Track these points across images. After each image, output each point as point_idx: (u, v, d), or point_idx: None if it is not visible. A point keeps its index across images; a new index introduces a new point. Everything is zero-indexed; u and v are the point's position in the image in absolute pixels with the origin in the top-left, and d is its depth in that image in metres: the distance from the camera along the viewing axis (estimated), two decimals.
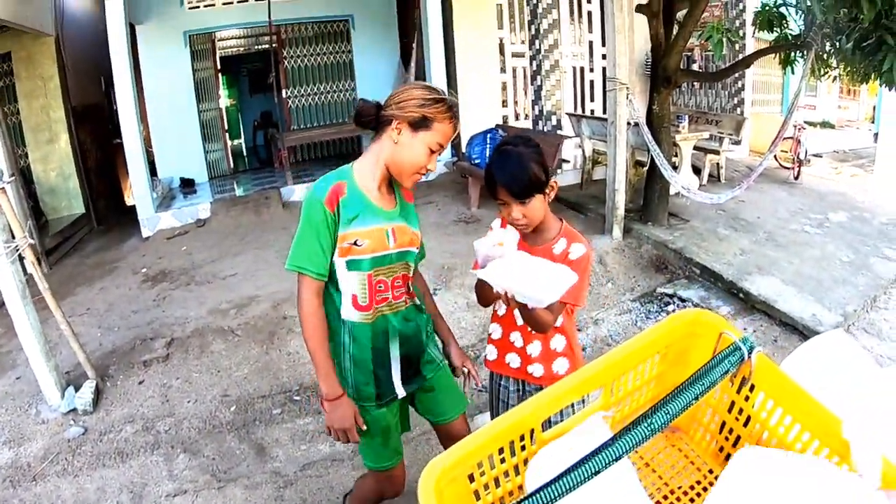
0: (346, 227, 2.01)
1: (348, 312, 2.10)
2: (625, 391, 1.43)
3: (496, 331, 2.38)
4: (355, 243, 2.01)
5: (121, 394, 4.16)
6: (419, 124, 1.98)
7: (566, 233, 2.20)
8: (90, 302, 5.78)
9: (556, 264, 1.88)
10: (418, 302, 2.28)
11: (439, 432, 2.48)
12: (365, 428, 2.13)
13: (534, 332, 2.19)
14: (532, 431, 1.31)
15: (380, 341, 2.14)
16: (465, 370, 2.39)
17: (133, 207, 8.17)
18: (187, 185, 9.43)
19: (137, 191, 7.84)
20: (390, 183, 2.16)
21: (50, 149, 8.93)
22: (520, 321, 2.22)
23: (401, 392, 2.21)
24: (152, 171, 8.86)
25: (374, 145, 2.09)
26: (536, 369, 2.29)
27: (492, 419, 2.54)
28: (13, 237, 3.79)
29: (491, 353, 2.40)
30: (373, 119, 2.06)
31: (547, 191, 2.13)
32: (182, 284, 5.87)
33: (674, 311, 4.77)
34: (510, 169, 2.08)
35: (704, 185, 7.69)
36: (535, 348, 2.27)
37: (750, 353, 1.22)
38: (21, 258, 3.86)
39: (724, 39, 5.18)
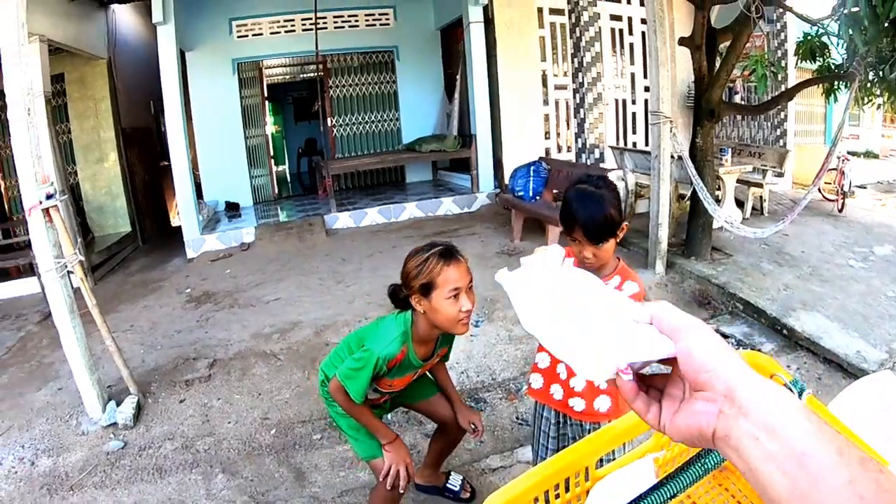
0: (388, 376, 2.32)
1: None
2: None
3: (543, 360, 2.38)
4: (391, 385, 2.40)
5: (161, 411, 4.17)
6: (426, 290, 2.12)
7: (621, 271, 2.23)
8: (134, 319, 5.85)
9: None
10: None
11: (419, 410, 2.84)
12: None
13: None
14: (587, 469, 1.33)
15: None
16: (473, 426, 2.57)
17: (178, 228, 8.33)
18: (232, 209, 9.59)
19: (183, 213, 7.98)
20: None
21: (99, 168, 9.18)
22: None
23: None
24: (198, 194, 9.03)
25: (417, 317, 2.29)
26: (577, 403, 2.29)
27: (532, 448, 2.58)
28: (62, 254, 3.85)
29: (536, 381, 2.41)
30: (404, 298, 2.26)
31: (619, 232, 2.14)
32: (226, 307, 5.92)
33: None
34: (591, 211, 2.08)
35: (747, 219, 7.57)
36: (578, 383, 2.28)
37: (801, 395, 1.21)
38: (69, 273, 3.92)
39: (768, 73, 5.13)
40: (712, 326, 4.93)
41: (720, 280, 5.52)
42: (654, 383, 0.73)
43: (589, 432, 2.28)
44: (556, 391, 2.33)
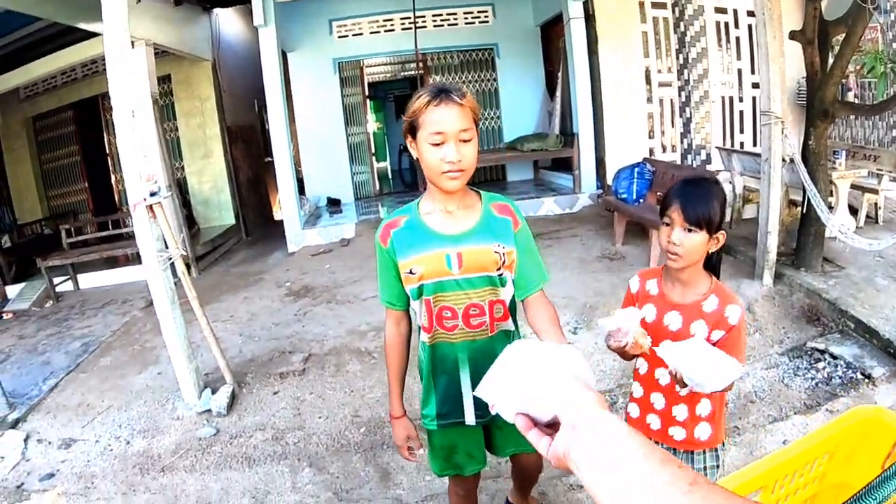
0: (404, 257, 2.02)
1: (421, 335, 2.14)
2: (786, 490, 1.27)
3: (637, 390, 2.29)
4: (411, 272, 2.00)
5: (255, 401, 4.25)
6: (413, 130, 1.91)
7: (717, 290, 2.06)
8: (234, 310, 6.02)
9: (727, 357, 1.81)
10: (510, 328, 2.13)
11: (512, 464, 2.59)
12: (420, 448, 2.34)
13: (682, 394, 2.10)
14: None
15: (442, 367, 2.12)
16: None
17: (280, 222, 8.53)
18: (334, 205, 9.78)
19: (286, 208, 8.18)
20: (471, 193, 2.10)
21: (204, 164, 9.58)
22: (662, 382, 2.15)
23: (470, 420, 2.15)
24: (301, 190, 9.23)
25: None
26: (678, 433, 2.18)
27: None
28: (167, 247, 3.97)
29: (633, 410, 2.31)
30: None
31: (715, 235, 2.00)
32: (323, 302, 6.00)
33: (824, 368, 4.37)
34: (693, 190, 2.01)
35: (861, 228, 7.03)
36: (680, 411, 2.16)
37: None
38: (173, 265, 4.05)
39: (890, 71, 4.74)
40: (821, 345, 4.65)
41: (831, 295, 5.14)
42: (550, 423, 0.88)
43: (685, 461, 2.16)
44: (654, 421, 2.23)
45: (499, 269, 1.99)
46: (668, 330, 2.08)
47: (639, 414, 2.29)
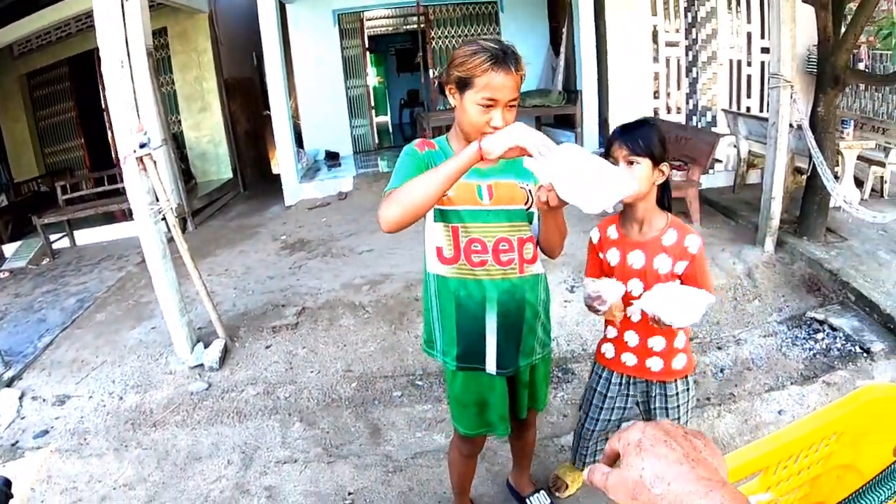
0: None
1: (434, 265, 2.05)
2: (789, 470, 1.22)
3: (611, 331, 2.42)
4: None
5: (247, 356, 4.23)
6: (462, 84, 1.84)
7: (674, 224, 2.20)
8: (229, 263, 5.98)
9: (696, 290, 2.01)
10: (540, 272, 2.14)
11: (513, 442, 2.57)
12: None
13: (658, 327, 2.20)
14: None
15: (469, 303, 2.04)
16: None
17: (278, 175, 8.45)
18: (332, 158, 9.66)
19: (283, 161, 8.09)
20: None
21: (202, 117, 9.45)
22: (634, 319, 2.27)
23: (491, 368, 2.10)
24: (299, 143, 9.15)
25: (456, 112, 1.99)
26: (655, 364, 2.33)
27: (583, 409, 2.58)
28: (158, 200, 3.91)
29: (608, 351, 2.44)
30: (443, 88, 1.97)
31: (660, 167, 2.13)
32: (319, 255, 5.95)
33: (823, 339, 4.33)
34: (630, 126, 2.15)
35: (866, 200, 6.95)
36: (657, 343, 2.30)
37: None
38: (164, 219, 3.98)
39: None
40: (820, 316, 4.59)
41: (833, 266, 5.07)
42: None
43: (658, 391, 2.39)
44: (629, 359, 2.36)
45: (527, 203, 2.01)
46: (632, 268, 2.21)
47: (614, 354, 2.41)
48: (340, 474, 3.11)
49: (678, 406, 2.41)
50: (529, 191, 2.01)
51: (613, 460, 0.76)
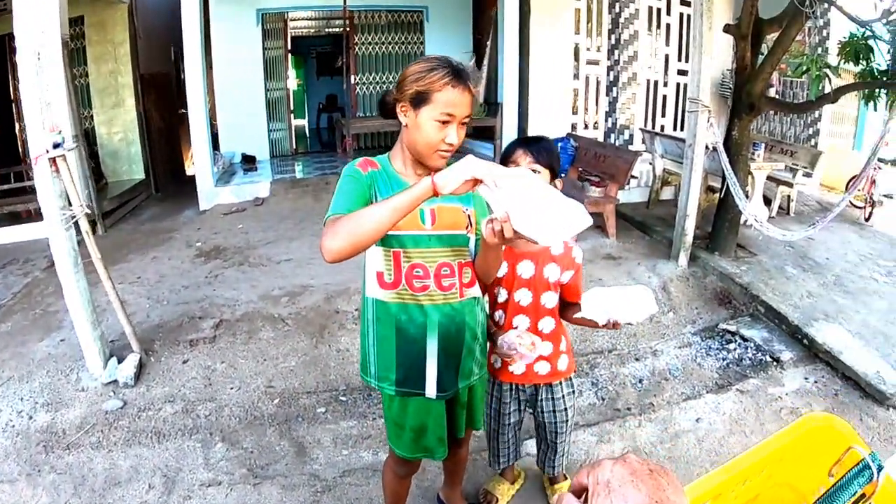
0: (381, 197, 1.88)
1: (373, 290, 2.02)
2: (737, 494, 1.31)
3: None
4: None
5: (163, 371, 4.06)
6: (419, 100, 1.83)
7: None
8: (142, 270, 5.74)
9: (637, 287, 2.06)
10: (478, 295, 2.15)
11: (445, 459, 2.45)
12: None
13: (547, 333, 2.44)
14: None
15: (410, 328, 2.02)
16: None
17: (192, 178, 8.20)
18: (249, 162, 9.42)
19: (198, 163, 7.85)
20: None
21: (115, 113, 9.04)
22: (522, 327, 2.40)
23: (431, 392, 2.08)
24: (215, 145, 8.89)
25: (400, 135, 1.99)
26: (543, 367, 2.50)
27: (486, 420, 2.63)
28: (70, 204, 3.71)
29: (496, 361, 2.55)
30: (392, 107, 1.94)
31: (554, 182, 2.26)
32: (235, 264, 5.79)
33: (735, 350, 4.54)
34: (534, 139, 2.31)
35: (773, 218, 7.34)
36: (545, 348, 2.45)
37: (879, 471, 1.15)
38: (76, 224, 3.79)
39: (824, 73, 4.91)
40: (732, 327, 4.80)
41: (743, 280, 5.33)
42: None
43: (545, 394, 2.58)
44: (517, 367, 2.47)
45: (467, 228, 2.02)
46: (521, 278, 2.35)
47: (501, 364, 2.52)
48: (268, 496, 3.03)
49: (565, 408, 2.59)
50: (469, 216, 2.01)
51: (580, 493, 0.80)
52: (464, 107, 1.85)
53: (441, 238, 1.97)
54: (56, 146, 3.55)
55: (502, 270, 2.32)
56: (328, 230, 1.65)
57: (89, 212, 4.10)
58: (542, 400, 2.59)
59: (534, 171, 2.18)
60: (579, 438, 3.46)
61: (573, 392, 2.63)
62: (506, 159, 2.27)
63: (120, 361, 3.99)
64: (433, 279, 1.98)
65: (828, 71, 5.04)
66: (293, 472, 3.22)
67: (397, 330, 2.02)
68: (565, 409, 2.59)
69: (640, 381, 4.16)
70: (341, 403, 3.81)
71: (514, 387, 2.58)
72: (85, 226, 3.80)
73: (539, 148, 2.23)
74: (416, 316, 2.00)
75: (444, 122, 1.83)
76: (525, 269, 2.33)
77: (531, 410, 2.68)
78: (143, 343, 4.22)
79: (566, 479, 2.97)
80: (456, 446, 2.45)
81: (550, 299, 2.44)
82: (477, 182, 1.56)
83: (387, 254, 1.95)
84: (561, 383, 2.57)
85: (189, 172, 10.62)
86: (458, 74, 1.82)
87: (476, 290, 2.12)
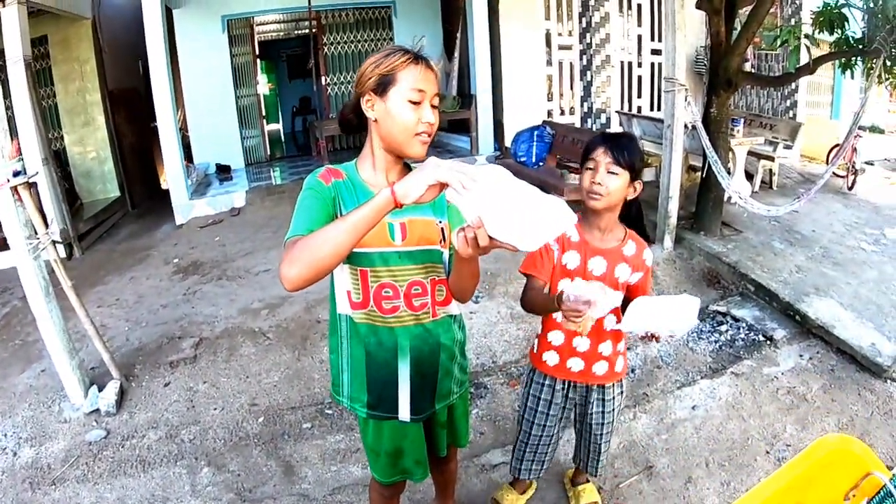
0: (345, 211, 1.74)
1: (344, 307, 1.89)
2: None
3: (557, 337, 2.41)
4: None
5: (145, 395, 3.97)
6: (383, 85, 1.71)
7: (632, 237, 2.30)
8: (120, 292, 5.64)
9: (682, 297, 1.96)
10: (454, 313, 2.02)
11: (434, 472, 2.40)
12: None
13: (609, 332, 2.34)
14: None
15: (380, 351, 1.90)
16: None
17: (168, 192, 8.07)
18: (223, 172, 9.30)
19: (171, 177, 7.73)
20: (407, 169, 1.89)
21: (86, 132, 8.88)
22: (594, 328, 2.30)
23: (404, 416, 1.97)
24: (188, 157, 8.77)
25: (368, 138, 1.86)
26: (601, 368, 2.41)
27: (525, 420, 2.49)
28: (36, 233, 3.61)
29: (551, 358, 2.44)
30: (352, 115, 1.85)
31: (634, 184, 2.19)
32: (213, 279, 5.70)
33: (727, 331, 4.49)
34: (617, 137, 2.20)
35: (756, 193, 7.31)
36: (606, 348, 2.38)
37: None
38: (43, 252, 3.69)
39: (803, 44, 4.87)
40: (722, 308, 4.75)
41: (731, 259, 5.28)
42: None
43: (597, 395, 2.49)
44: (576, 364, 2.40)
45: (440, 242, 1.87)
46: (592, 274, 2.25)
47: (558, 360, 2.43)
48: None
49: (613, 410, 2.52)
50: (442, 229, 1.87)
51: None
52: (431, 82, 1.74)
53: (412, 255, 1.84)
54: (16, 174, 3.45)
55: (574, 261, 2.25)
56: (286, 255, 1.51)
57: (61, 231, 3.99)
58: (593, 401, 2.49)
59: (613, 173, 2.12)
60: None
61: (622, 393, 2.57)
62: (585, 157, 2.21)
63: (101, 389, 3.90)
64: (403, 299, 1.86)
65: (806, 41, 5.00)
66: (282, 493, 3.14)
67: (367, 353, 1.91)
68: (614, 409, 2.52)
69: (633, 370, 4.10)
70: (327, 417, 3.73)
71: (567, 385, 2.48)
72: (53, 254, 3.70)
73: (621, 148, 2.14)
74: (385, 340, 1.89)
75: (416, 104, 1.71)
76: (597, 265, 2.24)
77: (578, 413, 2.59)
78: (124, 368, 4.13)
79: (588, 480, 2.92)
80: (443, 463, 2.38)
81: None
82: (443, 186, 1.40)
83: (353, 272, 1.83)
84: (613, 385, 2.49)
85: (165, 186, 10.48)
86: (416, 54, 1.73)
87: (453, 307, 2.00)
